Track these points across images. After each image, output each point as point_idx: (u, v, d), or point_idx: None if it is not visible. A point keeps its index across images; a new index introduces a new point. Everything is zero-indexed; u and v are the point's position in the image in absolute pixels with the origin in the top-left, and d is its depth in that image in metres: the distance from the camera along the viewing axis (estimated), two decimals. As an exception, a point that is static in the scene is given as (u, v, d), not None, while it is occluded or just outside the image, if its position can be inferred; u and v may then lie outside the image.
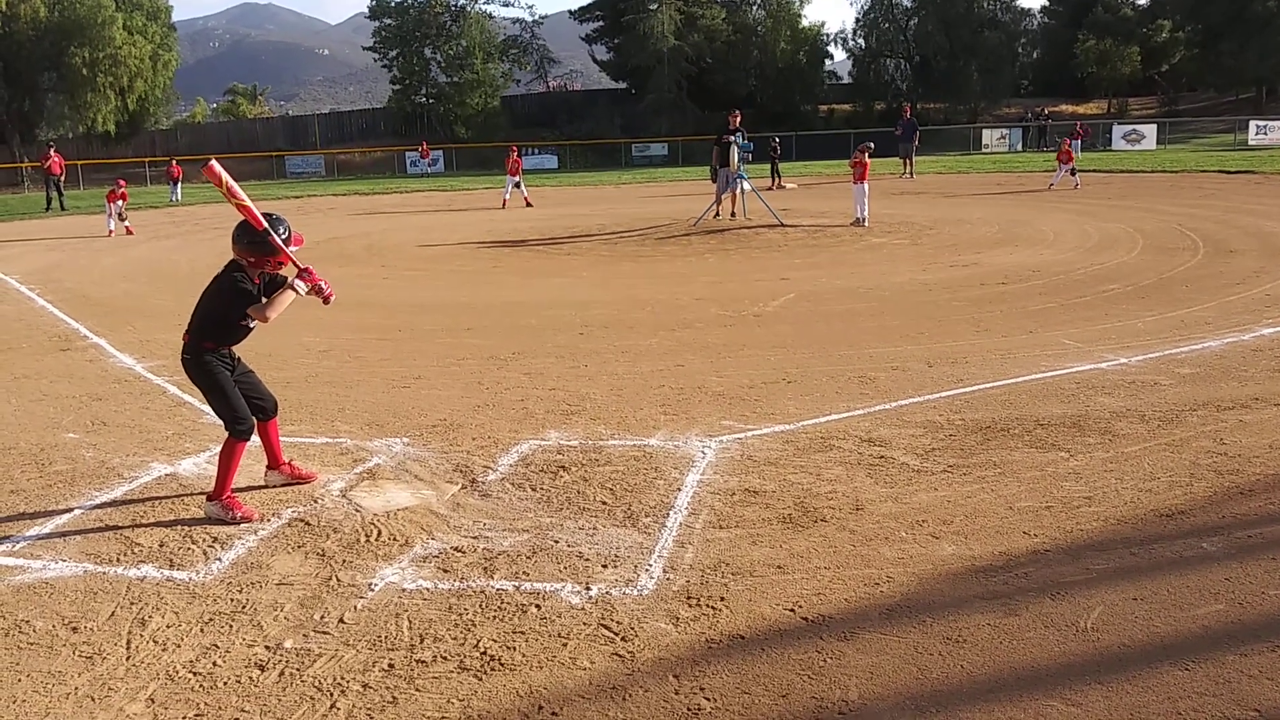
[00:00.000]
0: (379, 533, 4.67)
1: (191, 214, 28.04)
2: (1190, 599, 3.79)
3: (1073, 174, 25.21)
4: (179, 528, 4.80)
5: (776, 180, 30.24)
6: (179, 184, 35.08)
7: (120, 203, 21.93)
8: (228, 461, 4.90)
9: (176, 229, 23.30)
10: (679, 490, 5.11)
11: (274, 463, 5.36)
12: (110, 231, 21.55)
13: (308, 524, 4.80)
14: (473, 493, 5.20)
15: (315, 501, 5.11)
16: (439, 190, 35.87)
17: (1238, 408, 6.19)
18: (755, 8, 62.98)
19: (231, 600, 4.02)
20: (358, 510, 4.98)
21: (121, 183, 22.79)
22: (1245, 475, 5.06)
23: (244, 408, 4.97)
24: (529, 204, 26.50)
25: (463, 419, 6.55)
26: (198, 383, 5.00)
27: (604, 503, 4.98)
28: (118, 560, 4.45)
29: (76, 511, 5.07)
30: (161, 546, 4.58)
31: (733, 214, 19.72)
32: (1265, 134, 43.61)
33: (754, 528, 4.61)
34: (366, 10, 62.58)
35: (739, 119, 19.63)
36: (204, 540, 4.64)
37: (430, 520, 4.81)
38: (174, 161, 37.29)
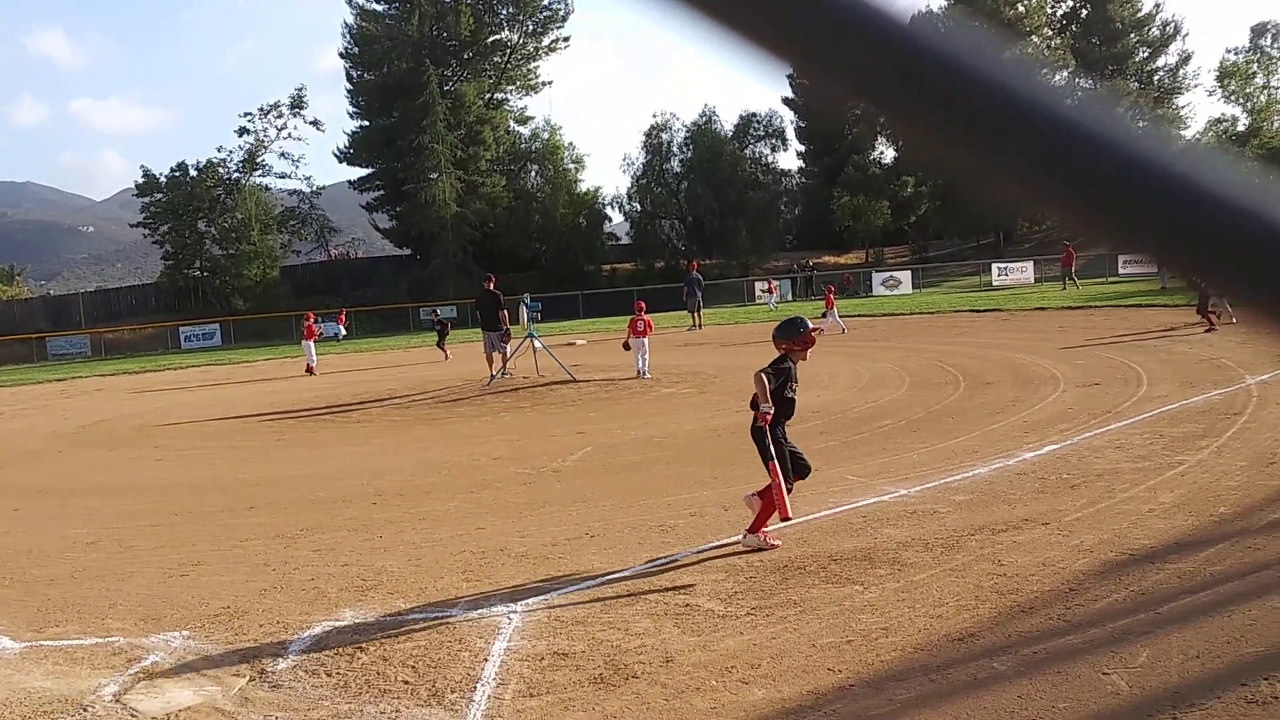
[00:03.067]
0: (154, 742, 4.22)
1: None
2: None
3: (823, 317, 26.41)
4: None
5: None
6: None
7: None
8: (768, 510, 6.36)
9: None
10: (485, 660, 4.92)
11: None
12: None
13: (69, 741, 4.29)
14: (262, 684, 4.81)
15: (84, 710, 4.59)
16: (215, 364, 34.45)
17: (1010, 529, 6.61)
18: (534, 175, 65.30)
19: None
20: (134, 716, 4.50)
21: None
22: (1024, 594, 5.36)
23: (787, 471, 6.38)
24: (311, 370, 25.87)
25: (248, 605, 6.11)
26: (760, 446, 6.46)
27: (406, 682, 4.72)
28: None
29: None
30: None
31: (506, 372, 19.66)
32: (1006, 275, 48.67)
33: (565, 692, 4.48)
34: (134, 186, 60.65)
35: (494, 283, 20.10)
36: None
37: (217, 719, 4.41)
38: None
